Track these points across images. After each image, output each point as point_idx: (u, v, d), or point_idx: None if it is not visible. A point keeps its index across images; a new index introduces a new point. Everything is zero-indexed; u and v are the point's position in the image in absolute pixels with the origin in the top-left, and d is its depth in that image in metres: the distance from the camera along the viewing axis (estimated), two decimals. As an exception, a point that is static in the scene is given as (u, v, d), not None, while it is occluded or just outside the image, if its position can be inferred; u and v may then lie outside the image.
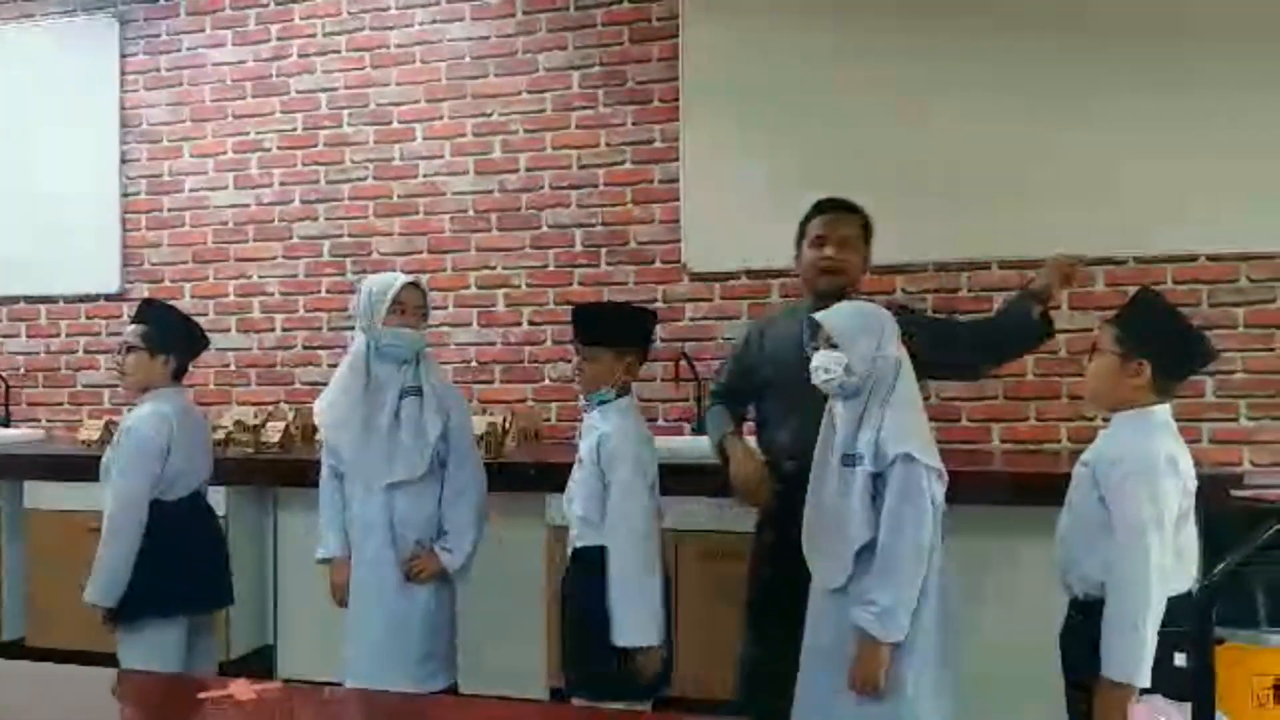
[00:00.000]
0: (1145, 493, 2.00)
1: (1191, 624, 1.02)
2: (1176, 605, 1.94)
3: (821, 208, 2.78)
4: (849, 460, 2.29)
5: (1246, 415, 3.50)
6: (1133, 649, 1.89)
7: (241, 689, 1.47)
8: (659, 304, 4.04)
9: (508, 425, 3.77)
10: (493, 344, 4.24)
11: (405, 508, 2.76)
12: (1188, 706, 1.04)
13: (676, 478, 2.86)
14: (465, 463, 2.83)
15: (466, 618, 2.98)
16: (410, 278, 2.85)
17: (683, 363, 3.88)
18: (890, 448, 2.23)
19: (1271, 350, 3.48)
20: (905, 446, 2.23)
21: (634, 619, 2.43)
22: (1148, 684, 1.86)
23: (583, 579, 2.53)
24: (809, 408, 2.47)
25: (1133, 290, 3.47)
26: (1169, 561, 1.99)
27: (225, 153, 4.57)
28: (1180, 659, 1.03)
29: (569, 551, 2.64)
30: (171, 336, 2.91)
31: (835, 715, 2.23)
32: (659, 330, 3.98)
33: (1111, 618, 1.97)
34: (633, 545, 2.46)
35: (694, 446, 3.46)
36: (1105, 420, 2.26)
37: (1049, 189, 3.61)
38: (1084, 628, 2.06)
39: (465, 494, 2.81)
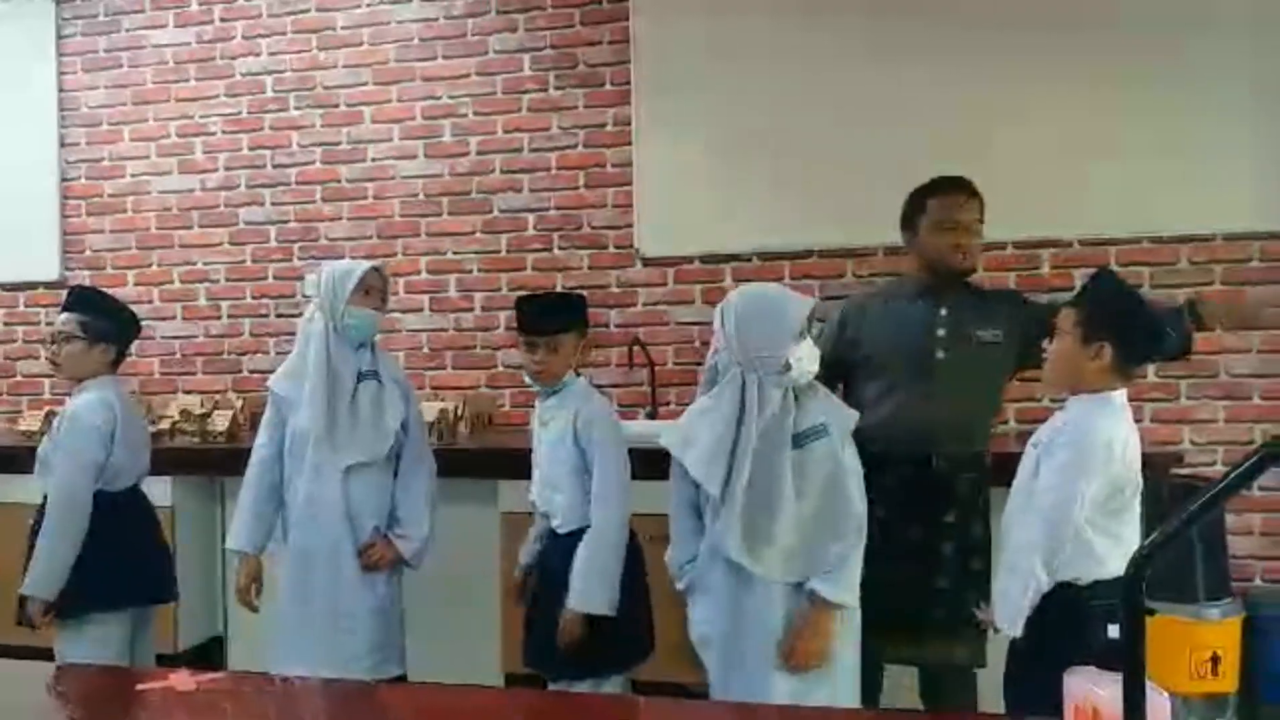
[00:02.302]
0: (1071, 471, 2.02)
1: (1122, 597, 1.03)
2: (1115, 586, 1.98)
3: (944, 187, 2.67)
4: (814, 434, 2.27)
5: (1186, 395, 3.58)
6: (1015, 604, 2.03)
7: (182, 680, 1.44)
8: (612, 289, 4.04)
9: (460, 412, 3.74)
10: (444, 330, 4.20)
11: (360, 493, 2.73)
12: (1120, 677, 1.05)
13: (633, 462, 2.85)
14: (419, 450, 2.84)
15: (419, 607, 2.96)
16: (375, 262, 2.87)
17: (636, 348, 3.87)
18: (837, 412, 2.30)
19: (1211, 331, 3.55)
20: (846, 410, 2.32)
21: (608, 589, 2.45)
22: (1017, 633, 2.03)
23: (569, 560, 2.50)
24: (911, 388, 2.53)
25: (1079, 272, 3.60)
26: (1096, 540, 2.02)
27: (168, 136, 4.47)
28: (1114, 631, 1.05)
29: (537, 535, 2.63)
30: (109, 325, 2.84)
31: (779, 691, 2.19)
32: (612, 316, 4.01)
33: (1001, 568, 2.13)
34: (621, 517, 2.49)
35: (650, 431, 3.46)
36: (1055, 401, 2.29)
37: (998, 173, 3.61)
38: (1051, 610, 2.06)
39: (419, 481, 2.81)
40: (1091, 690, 1.11)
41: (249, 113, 4.39)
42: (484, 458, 3.51)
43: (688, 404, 3.87)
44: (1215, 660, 3.08)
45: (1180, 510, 1.05)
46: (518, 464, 3.05)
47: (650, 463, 3.03)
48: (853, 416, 2.29)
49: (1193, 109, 3.54)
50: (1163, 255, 3.60)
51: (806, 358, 2.20)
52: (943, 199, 2.65)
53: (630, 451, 2.65)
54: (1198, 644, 3.09)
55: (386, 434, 2.76)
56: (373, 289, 2.78)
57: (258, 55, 4.37)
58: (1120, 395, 2.11)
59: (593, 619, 2.45)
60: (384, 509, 2.78)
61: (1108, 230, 3.62)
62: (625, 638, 2.51)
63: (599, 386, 3.52)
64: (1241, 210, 3.53)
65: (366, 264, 2.82)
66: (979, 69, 3.68)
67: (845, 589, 2.19)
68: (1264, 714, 3.21)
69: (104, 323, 2.83)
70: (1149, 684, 1.05)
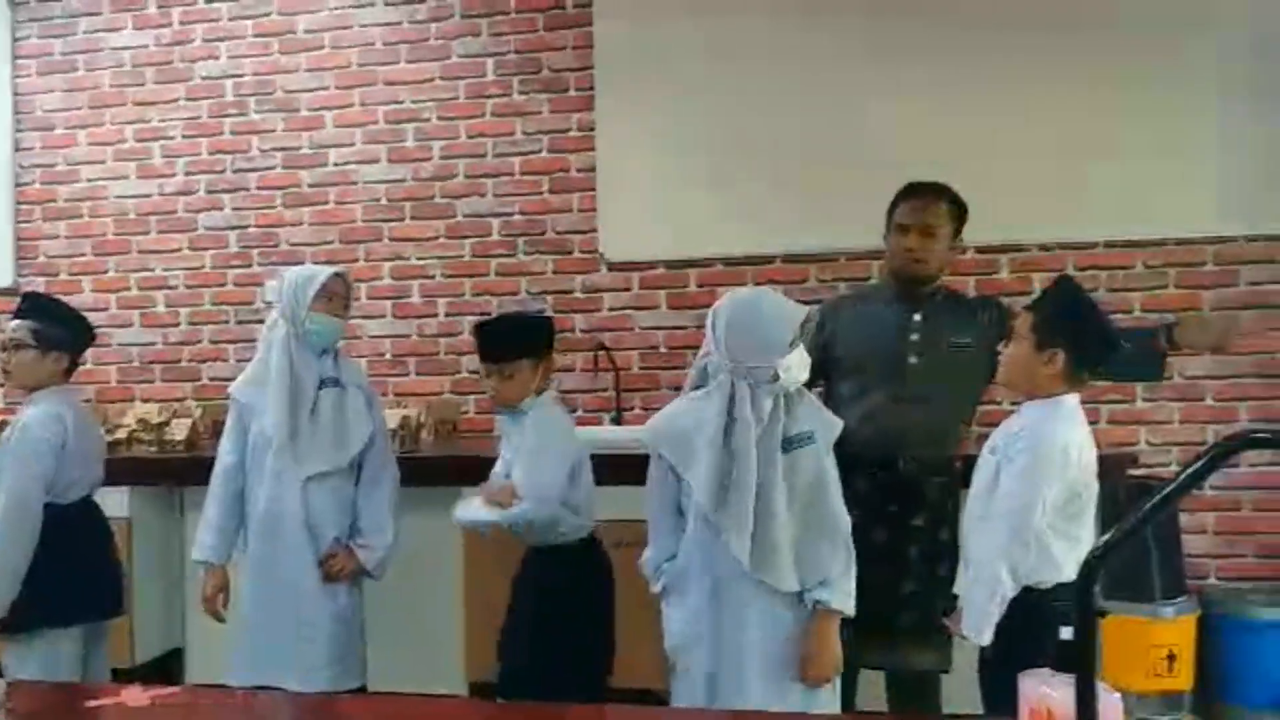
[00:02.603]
0: (1031, 477, 2.05)
1: (1074, 598, 1.05)
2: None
3: (908, 192, 2.68)
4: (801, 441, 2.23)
5: (1142, 397, 3.64)
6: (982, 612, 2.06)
7: (134, 695, 1.41)
8: (577, 294, 4.03)
9: (423, 419, 3.72)
10: (407, 336, 4.17)
11: (321, 503, 2.70)
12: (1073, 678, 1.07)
13: (597, 467, 2.84)
14: (381, 458, 2.80)
15: (380, 617, 2.94)
16: (337, 268, 2.84)
17: (601, 353, 3.87)
18: (824, 419, 2.28)
19: (1183, 352, 3.61)
20: (829, 415, 2.30)
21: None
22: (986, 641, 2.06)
23: (549, 573, 2.50)
24: (882, 391, 2.55)
25: (1037, 276, 3.65)
26: (1055, 544, 2.04)
27: (125, 141, 4.40)
28: (1066, 633, 1.06)
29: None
30: (63, 333, 2.78)
31: (793, 698, 2.16)
32: (577, 321, 4.01)
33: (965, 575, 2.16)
34: (538, 508, 2.46)
35: (613, 436, 3.46)
36: (1013, 404, 2.31)
37: (956, 178, 3.66)
38: (1015, 615, 2.08)
39: (381, 490, 2.78)
40: (1045, 692, 1.12)
41: (209, 117, 4.33)
42: (447, 465, 3.49)
43: (654, 409, 3.92)
44: (1171, 658, 3.13)
45: (1133, 511, 1.07)
46: (482, 471, 3.03)
47: (616, 468, 3.03)
48: (837, 425, 2.25)
49: (1148, 118, 3.60)
50: (1118, 260, 3.66)
51: (796, 366, 2.16)
52: (905, 203, 2.67)
53: (594, 458, 2.65)
54: (1154, 642, 3.14)
55: (349, 443, 2.73)
56: (335, 295, 2.75)
57: (217, 59, 4.32)
58: (1073, 399, 2.14)
59: (551, 641, 2.42)
60: (345, 518, 2.75)
61: (1065, 235, 3.67)
62: (584, 663, 2.47)
63: (565, 392, 3.52)
64: (1195, 216, 3.59)
65: (328, 269, 2.79)
66: (937, 75, 3.71)
67: (847, 597, 2.17)
68: (1218, 710, 3.27)
69: (57, 330, 2.77)
70: (1101, 684, 1.06)
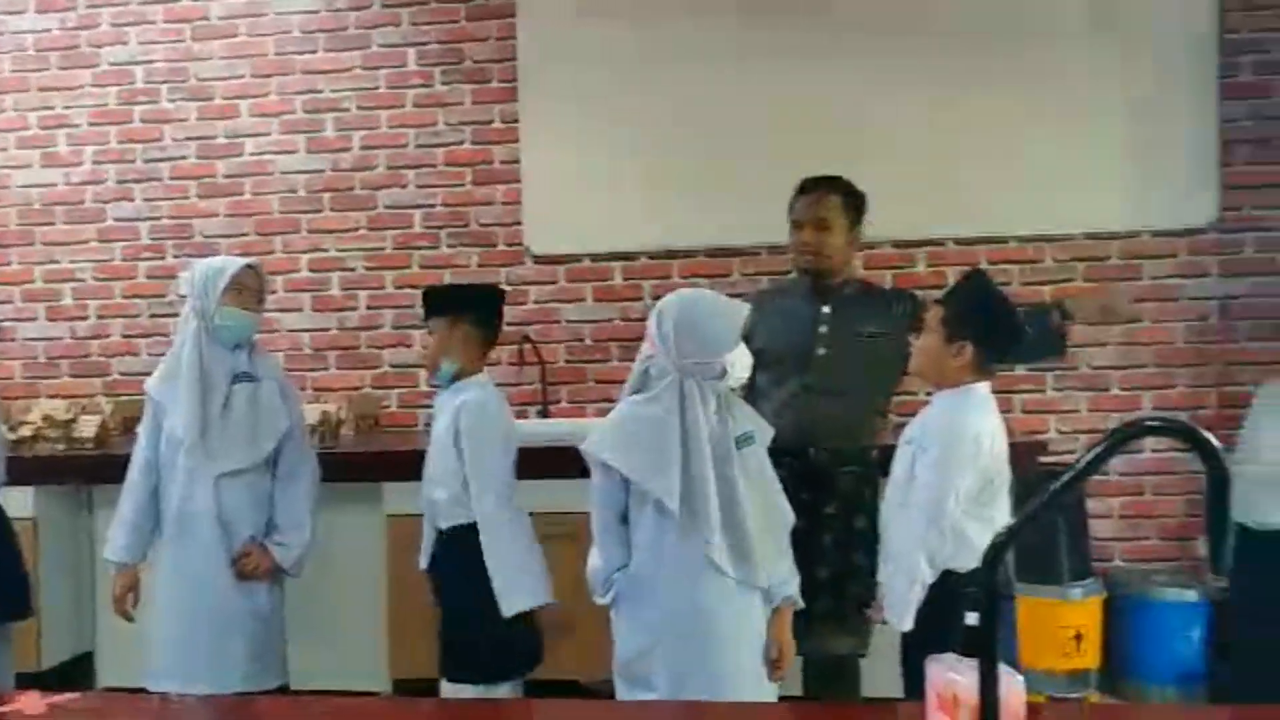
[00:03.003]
0: (944, 466, 2.11)
1: (978, 583, 1.08)
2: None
3: (801, 188, 2.72)
4: (745, 441, 2.20)
5: (1053, 386, 3.76)
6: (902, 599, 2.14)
7: (30, 702, 1.36)
8: (502, 287, 3.99)
9: (343, 414, 3.66)
10: (327, 329, 4.09)
11: (235, 500, 2.63)
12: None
13: (523, 460, 2.83)
14: (299, 454, 2.74)
15: (302, 614, 2.89)
16: (249, 260, 2.75)
17: (527, 346, 3.86)
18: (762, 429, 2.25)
19: (1080, 326, 3.74)
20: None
21: (518, 584, 2.42)
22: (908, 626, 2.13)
23: (455, 559, 2.48)
24: (794, 382, 2.58)
25: (951, 271, 3.74)
26: (971, 530, 2.10)
27: (28, 128, 4.23)
28: (972, 618, 1.09)
29: (430, 535, 2.57)
30: None
31: (759, 692, 2.17)
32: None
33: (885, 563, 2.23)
34: (500, 511, 2.45)
35: (540, 430, 3.45)
36: (928, 395, 2.37)
37: (878, 173, 3.72)
38: (934, 599, 2.13)
39: (299, 486, 2.72)
40: (951, 677, 1.15)
41: (117, 104, 4.19)
42: (369, 460, 3.45)
43: (581, 401, 3.96)
44: (1079, 638, 3.24)
45: (1036, 497, 1.10)
46: (403, 466, 3.00)
47: (541, 462, 3.03)
48: (769, 430, 2.25)
49: (1057, 118, 3.71)
50: (1029, 254, 3.76)
51: (739, 364, 2.14)
52: (799, 199, 2.74)
53: (520, 451, 2.63)
54: (1062, 623, 3.25)
55: (263, 439, 2.66)
56: (246, 288, 2.67)
57: (126, 44, 4.18)
58: (983, 388, 2.20)
59: (482, 623, 2.42)
60: (261, 515, 2.68)
61: (979, 231, 3.77)
62: (518, 643, 2.48)
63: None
64: (1101, 212, 3.72)
65: (239, 261, 2.71)
66: (856, 74, 3.78)
67: (797, 590, 2.21)
68: (1123, 687, 3.39)
69: None
70: (1004, 666, 1.10)
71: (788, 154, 3.76)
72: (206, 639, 2.60)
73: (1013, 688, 1.12)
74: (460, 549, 2.46)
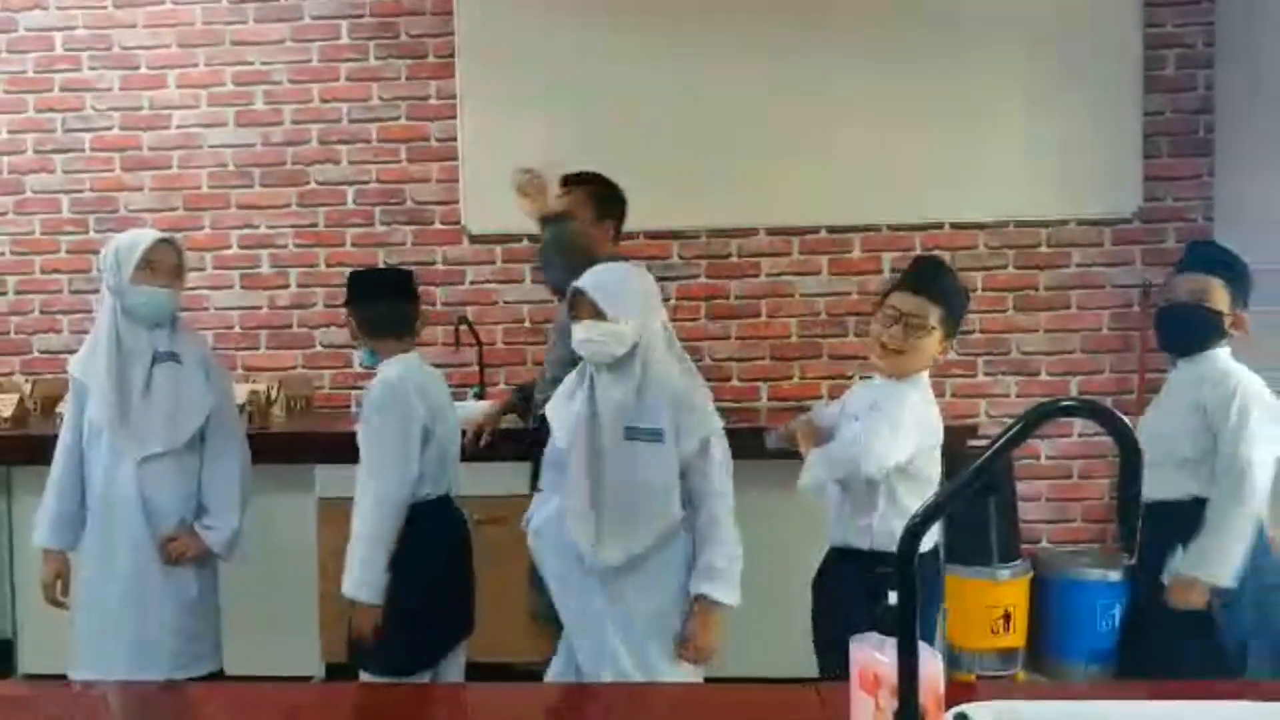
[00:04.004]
0: (903, 440, 2.11)
1: (895, 561, 1.09)
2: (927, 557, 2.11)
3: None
4: (633, 434, 2.22)
5: (984, 371, 3.84)
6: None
7: (-61, 693, 1.31)
8: (438, 266, 3.95)
9: (274, 394, 3.59)
10: (258, 308, 4.00)
11: (160, 483, 2.55)
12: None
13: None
14: (228, 436, 2.66)
15: (234, 597, 2.83)
16: (162, 234, 2.63)
17: (463, 327, 3.81)
18: (704, 422, 2.22)
19: (1004, 312, 3.83)
20: (713, 418, 2.25)
21: (354, 571, 2.39)
22: None
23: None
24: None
25: (887, 255, 3.79)
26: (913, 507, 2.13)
27: (-61, 94, 4.06)
28: (892, 597, 1.11)
29: None
30: None
31: (651, 676, 2.19)
32: (439, 294, 3.92)
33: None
34: (366, 496, 2.39)
35: (474, 411, 3.42)
36: (864, 378, 2.38)
37: (816, 160, 3.79)
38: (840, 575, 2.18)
39: (228, 469, 2.64)
40: (874, 656, 1.17)
41: (35, 71, 4.03)
42: (300, 442, 3.38)
43: (517, 384, 3.93)
44: (1008, 617, 3.32)
45: (957, 476, 1.12)
46: (336, 448, 2.96)
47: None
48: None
49: (993, 111, 3.77)
50: (963, 240, 3.82)
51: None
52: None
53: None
54: (992, 603, 3.32)
55: (185, 421, 2.58)
56: (159, 264, 2.56)
57: (45, 9, 4.02)
58: (926, 374, 2.24)
59: (399, 611, 2.39)
60: (188, 499, 2.61)
61: (914, 217, 3.82)
62: (429, 632, 2.45)
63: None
64: (1031, 201, 3.79)
65: (152, 235, 2.59)
66: (794, 61, 3.79)
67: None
68: (1048, 664, 3.49)
69: None
70: (922, 645, 1.12)
71: (726, 139, 3.80)
72: (131, 626, 2.53)
73: (930, 666, 1.14)
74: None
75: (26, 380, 3.85)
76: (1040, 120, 3.76)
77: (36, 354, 4.05)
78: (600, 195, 2.94)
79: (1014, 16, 3.76)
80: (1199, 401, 2.42)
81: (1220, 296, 2.45)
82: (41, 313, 4.06)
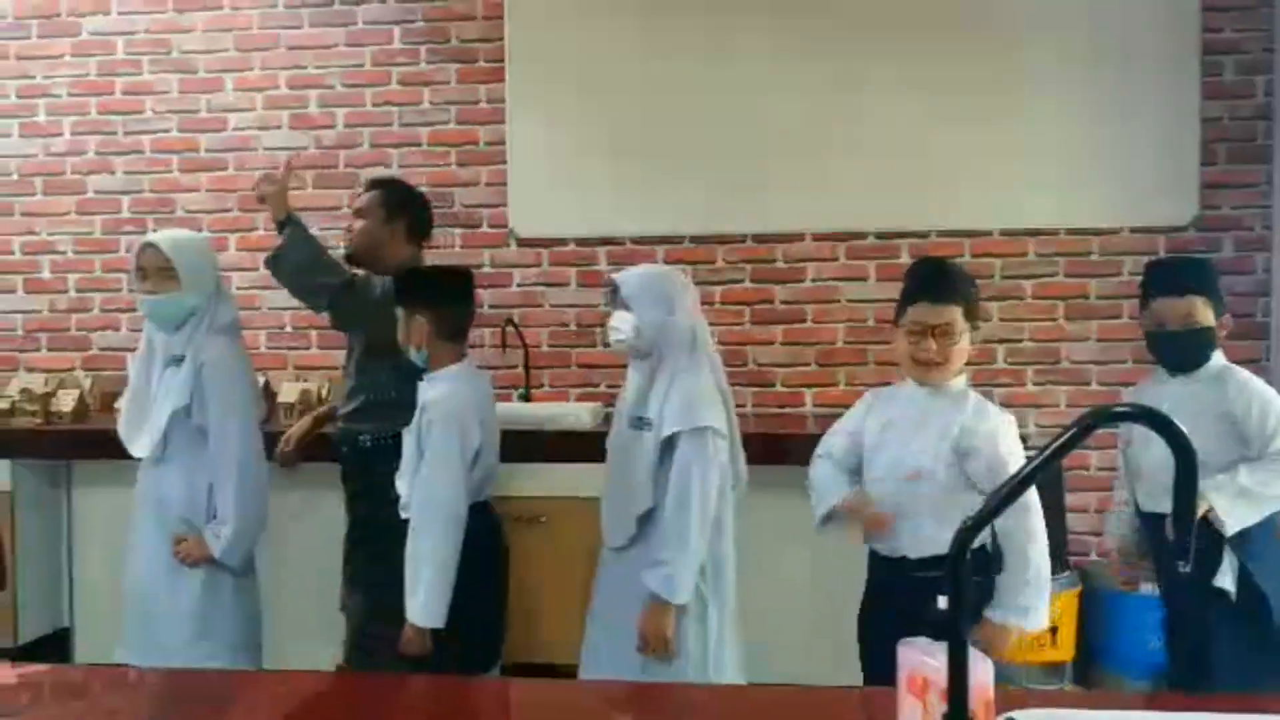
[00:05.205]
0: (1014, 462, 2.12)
1: (948, 568, 1.09)
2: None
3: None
4: (636, 423, 2.35)
5: (1032, 381, 3.78)
6: None
7: (2, 674, 1.36)
8: (486, 269, 3.98)
9: (325, 393, 3.64)
10: (301, 307, 4.04)
11: (168, 485, 2.56)
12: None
13: (504, 444, 2.83)
14: (225, 441, 2.54)
15: (278, 595, 2.87)
16: (151, 238, 2.62)
17: (509, 329, 3.84)
18: (683, 417, 2.27)
19: (1054, 320, 3.77)
20: (700, 415, 2.28)
21: (420, 596, 2.35)
22: None
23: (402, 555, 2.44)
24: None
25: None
26: None
27: (7, 96, 4.18)
28: (942, 602, 1.11)
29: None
30: None
31: (622, 673, 2.25)
32: (486, 296, 3.95)
33: None
34: (428, 520, 2.38)
35: (520, 413, 3.45)
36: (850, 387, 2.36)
37: (860, 164, 3.77)
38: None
39: (227, 474, 2.54)
40: (922, 661, 1.16)
41: (98, 75, 4.14)
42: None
43: (561, 386, 3.96)
44: (1054, 631, 3.27)
45: (1006, 484, 1.12)
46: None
47: (523, 445, 3.04)
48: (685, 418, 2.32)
49: (1045, 115, 3.72)
50: (1012, 247, 3.78)
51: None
52: None
53: (501, 434, 2.63)
54: (1039, 616, 3.27)
55: (159, 423, 2.54)
56: (146, 268, 2.55)
57: (108, 14, 4.12)
58: None
59: (387, 623, 2.40)
60: (197, 501, 2.56)
61: (962, 224, 3.78)
62: (466, 648, 2.42)
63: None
64: (1083, 209, 3.73)
65: (140, 242, 2.61)
66: (842, 66, 3.77)
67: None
68: (1097, 679, 3.43)
69: None
70: (974, 651, 1.11)
71: (772, 144, 3.79)
72: (141, 620, 2.57)
73: (982, 672, 1.13)
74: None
75: (86, 376, 3.95)
76: (1095, 127, 3.71)
77: (96, 351, 4.15)
78: (390, 199, 3.00)
79: (1070, 22, 3.71)
80: (1226, 412, 2.43)
81: (1206, 313, 2.48)
82: (101, 311, 4.17)
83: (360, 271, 2.95)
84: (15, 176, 4.18)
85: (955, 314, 2.14)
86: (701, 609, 2.32)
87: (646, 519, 2.31)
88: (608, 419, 3.16)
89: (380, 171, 4.01)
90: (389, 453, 2.59)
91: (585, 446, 3.08)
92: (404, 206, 3.01)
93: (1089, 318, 3.76)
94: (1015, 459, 2.11)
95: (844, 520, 2.25)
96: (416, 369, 2.53)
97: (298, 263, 2.83)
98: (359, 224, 2.98)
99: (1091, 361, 3.77)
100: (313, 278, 2.85)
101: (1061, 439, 1.11)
